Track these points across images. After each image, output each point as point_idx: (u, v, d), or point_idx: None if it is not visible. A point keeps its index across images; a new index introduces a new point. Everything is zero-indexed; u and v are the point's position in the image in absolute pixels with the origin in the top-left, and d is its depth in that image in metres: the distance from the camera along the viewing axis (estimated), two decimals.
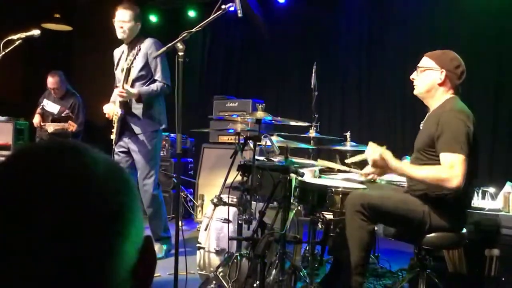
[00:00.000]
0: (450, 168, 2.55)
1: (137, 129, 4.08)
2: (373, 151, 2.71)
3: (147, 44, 4.08)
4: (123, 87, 3.90)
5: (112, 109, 4.10)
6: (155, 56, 3.94)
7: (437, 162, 2.67)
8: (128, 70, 3.97)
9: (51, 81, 5.74)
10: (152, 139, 4.12)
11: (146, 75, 4.09)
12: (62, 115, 5.74)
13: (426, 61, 2.90)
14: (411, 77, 2.95)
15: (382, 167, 2.71)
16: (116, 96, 4.10)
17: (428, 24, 6.04)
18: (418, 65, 2.92)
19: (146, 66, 4.08)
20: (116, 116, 4.07)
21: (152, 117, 4.12)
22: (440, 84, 2.84)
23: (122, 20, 4.06)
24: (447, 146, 2.62)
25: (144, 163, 4.11)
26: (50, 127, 5.64)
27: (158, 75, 4.08)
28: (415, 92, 2.95)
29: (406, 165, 2.75)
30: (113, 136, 4.11)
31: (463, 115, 2.67)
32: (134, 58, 3.91)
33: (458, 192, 2.59)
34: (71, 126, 5.61)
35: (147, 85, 4.07)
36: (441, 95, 2.85)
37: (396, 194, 2.86)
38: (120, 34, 4.09)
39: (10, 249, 0.56)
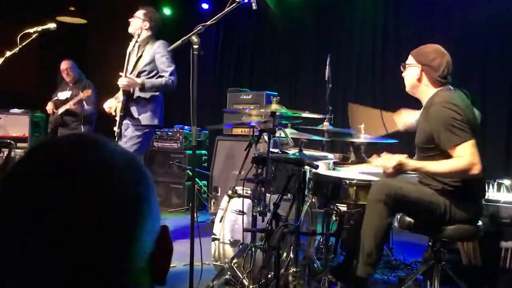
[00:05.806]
0: (467, 157, 2.56)
1: (133, 120, 4.25)
2: (387, 160, 2.70)
3: (156, 45, 4.28)
4: (125, 76, 4.10)
5: (113, 104, 4.31)
6: (170, 49, 4.01)
7: (437, 156, 2.69)
8: (136, 62, 4.21)
9: (63, 65, 5.86)
10: (142, 131, 4.26)
11: (150, 71, 4.27)
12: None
13: (409, 58, 2.93)
14: (403, 74, 2.97)
15: (394, 175, 2.72)
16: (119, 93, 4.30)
17: (443, 13, 5.96)
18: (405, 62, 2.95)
19: (151, 63, 4.26)
20: (119, 107, 4.23)
21: (149, 111, 4.26)
22: (419, 80, 2.84)
23: (134, 15, 4.33)
24: (452, 141, 2.62)
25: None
26: (61, 109, 5.67)
27: (166, 73, 4.24)
28: (406, 90, 2.98)
29: (425, 163, 2.73)
30: (115, 128, 4.24)
31: (451, 104, 2.66)
32: (142, 53, 4.21)
33: (473, 181, 2.60)
34: (85, 93, 5.55)
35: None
36: (427, 90, 2.85)
37: (417, 186, 2.85)
38: (129, 28, 4.32)
39: (28, 245, 0.57)
